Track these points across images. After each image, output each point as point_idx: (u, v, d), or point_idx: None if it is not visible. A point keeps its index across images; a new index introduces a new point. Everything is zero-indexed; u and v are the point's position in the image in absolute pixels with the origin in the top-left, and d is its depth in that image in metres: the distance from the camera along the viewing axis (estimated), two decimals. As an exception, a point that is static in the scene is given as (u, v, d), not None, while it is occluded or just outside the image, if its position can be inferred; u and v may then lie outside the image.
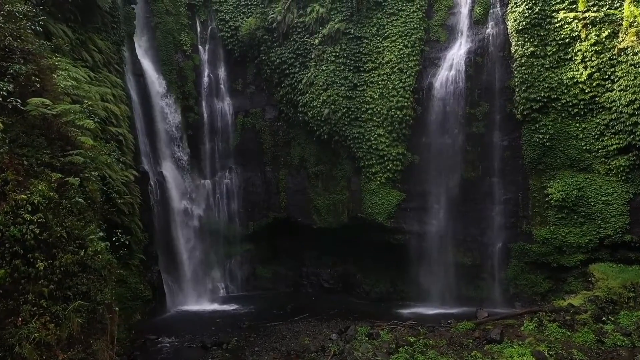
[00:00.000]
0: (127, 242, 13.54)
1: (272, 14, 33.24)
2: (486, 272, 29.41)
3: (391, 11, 31.02)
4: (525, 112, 27.63)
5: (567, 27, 26.93)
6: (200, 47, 34.93)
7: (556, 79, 27.05)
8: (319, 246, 33.71)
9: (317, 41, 31.80)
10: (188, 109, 33.21)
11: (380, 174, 30.13)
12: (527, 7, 27.60)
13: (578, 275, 26.33)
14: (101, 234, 11.34)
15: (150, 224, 27.12)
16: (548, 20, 27.44)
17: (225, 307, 29.29)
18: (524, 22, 27.55)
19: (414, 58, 30.25)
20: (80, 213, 11.32)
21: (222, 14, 34.78)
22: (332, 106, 30.80)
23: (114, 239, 13.25)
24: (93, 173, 12.07)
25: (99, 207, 13.00)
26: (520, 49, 27.71)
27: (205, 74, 34.85)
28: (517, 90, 27.84)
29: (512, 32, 28.13)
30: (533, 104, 27.38)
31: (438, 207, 29.82)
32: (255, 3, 34.30)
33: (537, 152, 27.55)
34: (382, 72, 30.53)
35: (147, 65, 30.75)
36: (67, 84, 12.96)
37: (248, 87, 35.29)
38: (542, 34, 27.48)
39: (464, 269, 29.73)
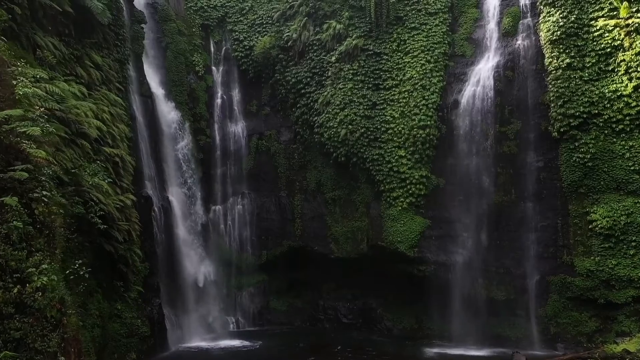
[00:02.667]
0: (82, 273, 11.34)
1: (287, 33, 31.88)
2: (522, 309, 26.34)
3: (412, 25, 29.20)
4: (562, 130, 25.00)
5: (607, 36, 24.42)
6: (213, 68, 33.70)
7: (597, 92, 24.42)
8: (337, 277, 31.27)
9: (333, 58, 30.12)
10: (199, 132, 31.68)
11: (402, 199, 27.73)
12: (561, 15, 25.28)
13: (630, 313, 23.03)
14: (45, 265, 9.30)
15: (152, 253, 25.27)
16: (586, 29, 25.00)
17: (234, 343, 26.87)
18: (559, 32, 25.21)
19: (438, 74, 28.16)
20: (22, 240, 9.36)
21: (237, 33, 33.61)
22: (350, 126, 28.80)
23: (67, 271, 11.13)
24: (46, 193, 10.14)
25: (58, 234, 11.01)
26: (555, 60, 25.32)
27: (219, 95, 33.49)
28: (552, 105, 25.32)
29: (545, 43, 25.81)
30: (571, 121, 24.75)
31: (466, 235, 27.23)
32: (270, 22, 33.06)
33: (577, 173, 24.72)
34: (403, 90, 28.51)
35: (156, 86, 29.49)
36: (28, 91, 11.26)
37: (262, 109, 33.68)
38: (579, 44, 25.03)
39: (496, 304, 26.77)
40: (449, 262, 27.39)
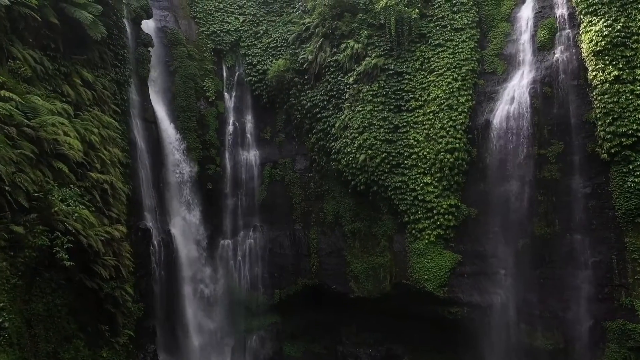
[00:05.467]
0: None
1: (302, 55, 30.07)
2: (574, 360, 22.68)
3: (437, 42, 27.01)
4: (613, 151, 21.95)
5: (661, 44, 21.50)
6: (225, 93, 31.88)
7: (652, 107, 21.34)
8: (358, 319, 28.47)
9: (351, 80, 27.99)
10: (208, 160, 29.57)
11: (429, 231, 25.03)
12: (605, 24, 22.58)
13: None
14: None
15: (149, 292, 22.92)
16: (635, 38, 22.23)
17: (240, 396, 23.91)
18: (603, 42, 22.48)
19: (466, 92, 25.67)
20: None
21: (250, 57, 31.91)
22: (369, 151, 26.30)
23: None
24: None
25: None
26: (601, 74, 22.46)
27: (230, 122, 31.52)
28: (600, 124, 22.36)
29: (587, 55, 23.05)
30: (623, 140, 21.68)
31: (504, 272, 24.32)
32: (285, 45, 31.36)
33: (633, 200, 21.47)
34: (428, 110, 26.04)
35: (162, 111, 27.73)
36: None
37: (277, 136, 31.51)
38: (627, 54, 22.19)
39: (542, 353, 23.54)
40: (484, 303, 24.46)
